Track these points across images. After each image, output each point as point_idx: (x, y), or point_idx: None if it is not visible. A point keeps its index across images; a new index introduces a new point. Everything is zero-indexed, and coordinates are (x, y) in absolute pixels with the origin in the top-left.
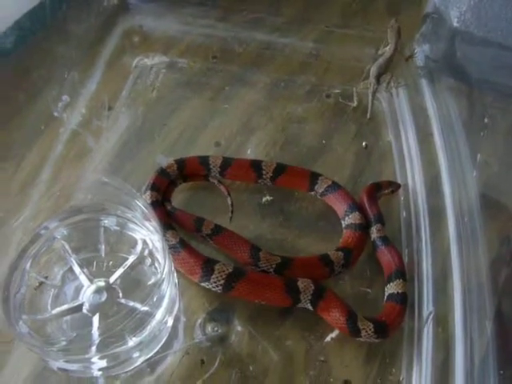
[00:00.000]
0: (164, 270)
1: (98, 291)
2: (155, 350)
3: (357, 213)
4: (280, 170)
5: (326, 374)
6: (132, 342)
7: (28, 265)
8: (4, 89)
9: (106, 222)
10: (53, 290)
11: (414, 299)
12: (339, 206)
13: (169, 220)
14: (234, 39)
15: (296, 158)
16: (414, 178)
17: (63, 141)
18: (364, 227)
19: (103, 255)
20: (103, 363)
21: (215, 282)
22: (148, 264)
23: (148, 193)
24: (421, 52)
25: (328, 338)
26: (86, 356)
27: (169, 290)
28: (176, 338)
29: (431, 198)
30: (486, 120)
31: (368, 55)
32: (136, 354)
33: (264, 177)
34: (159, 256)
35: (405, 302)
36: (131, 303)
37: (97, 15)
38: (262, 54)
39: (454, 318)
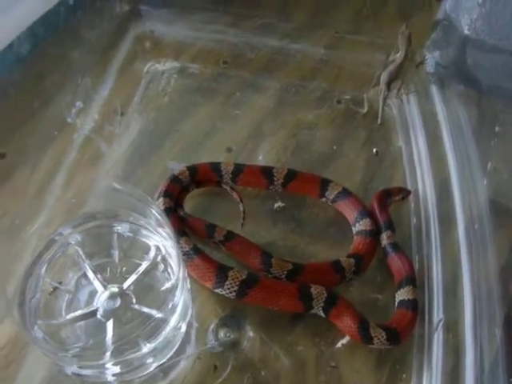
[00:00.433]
0: (179, 275)
1: (112, 297)
2: (169, 356)
3: (367, 219)
4: (291, 176)
5: (337, 380)
6: (146, 348)
7: (43, 270)
8: (18, 94)
9: (119, 228)
10: (67, 295)
11: (424, 305)
12: (350, 212)
13: (182, 226)
14: (245, 45)
15: (307, 164)
16: (424, 183)
17: (76, 146)
18: (375, 233)
19: (116, 261)
20: (117, 369)
21: (229, 289)
22: (161, 270)
23: (161, 199)
24: (431, 58)
25: (339, 344)
26: (100, 362)
27: (183, 296)
28: (188, 343)
29: (441, 204)
30: (497, 128)
31: (379, 61)
32: (150, 360)
33: (275, 183)
34: (172, 262)
35: (416, 308)
36: (144, 309)
37: (109, 21)
38: (273, 60)
39: (464, 324)
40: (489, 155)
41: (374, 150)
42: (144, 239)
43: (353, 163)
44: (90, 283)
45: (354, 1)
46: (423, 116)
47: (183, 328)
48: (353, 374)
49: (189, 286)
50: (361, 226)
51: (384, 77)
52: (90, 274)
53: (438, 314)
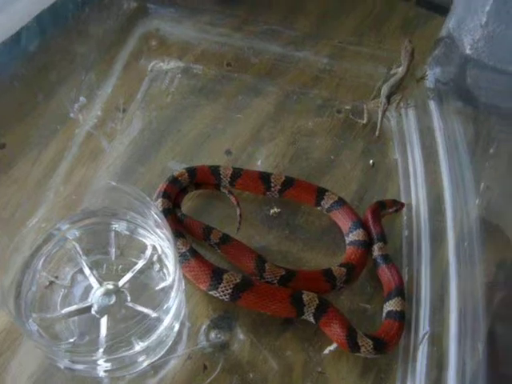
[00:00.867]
0: (175, 277)
1: (107, 294)
2: (160, 354)
3: (360, 230)
4: (288, 183)
5: None
6: (139, 346)
7: (40, 264)
8: (23, 87)
9: (116, 226)
10: (62, 289)
11: (411, 317)
12: (344, 222)
13: (179, 227)
14: (249, 49)
15: (304, 171)
16: (417, 197)
17: (78, 141)
18: (367, 244)
19: (113, 258)
20: (109, 365)
21: (223, 291)
22: (156, 269)
23: (159, 200)
24: (432, 75)
25: (326, 351)
26: (93, 358)
27: (178, 296)
28: (180, 342)
29: (433, 219)
30: (491, 150)
31: (380, 73)
32: (142, 358)
33: (272, 189)
34: (168, 262)
35: (403, 319)
36: (139, 307)
37: (116, 18)
38: (276, 66)
39: (449, 338)
40: (482, 175)
41: (371, 162)
42: (141, 238)
43: (349, 173)
44: (86, 279)
45: (357, 12)
46: (420, 131)
47: (176, 328)
48: (338, 380)
49: (183, 286)
50: (354, 236)
51: (385, 90)
52: (86, 270)
53: (423, 327)
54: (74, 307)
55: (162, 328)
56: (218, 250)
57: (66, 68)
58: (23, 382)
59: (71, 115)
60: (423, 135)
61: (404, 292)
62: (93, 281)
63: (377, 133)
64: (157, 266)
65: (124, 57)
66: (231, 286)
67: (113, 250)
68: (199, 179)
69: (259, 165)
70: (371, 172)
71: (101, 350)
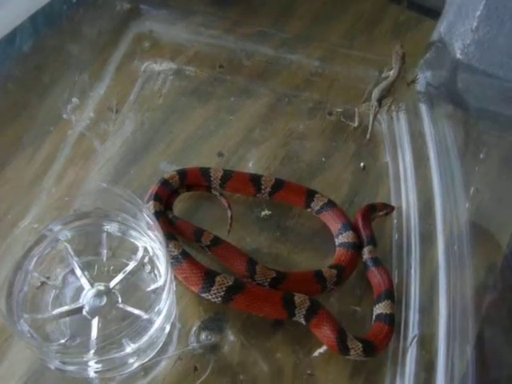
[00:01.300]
0: (167, 278)
1: (98, 295)
2: (151, 356)
3: (350, 232)
4: (278, 185)
5: None
6: (130, 348)
7: (32, 264)
8: (16, 87)
9: (108, 227)
10: (54, 290)
11: (400, 320)
12: (333, 224)
13: (170, 229)
14: (241, 51)
15: (295, 173)
16: (408, 200)
17: (70, 143)
18: (357, 246)
19: (104, 260)
20: (100, 366)
21: (215, 294)
22: (148, 271)
23: (151, 203)
24: (423, 78)
25: (316, 353)
26: (84, 359)
27: (169, 298)
28: (170, 343)
29: (423, 222)
30: (481, 155)
31: (371, 76)
32: (132, 360)
33: (262, 191)
34: (159, 264)
35: (392, 323)
36: (129, 308)
37: (110, 19)
38: (268, 68)
39: (437, 341)
40: (472, 179)
41: (362, 164)
42: (132, 240)
43: (340, 176)
44: (77, 280)
45: (349, 15)
46: (411, 134)
47: (167, 329)
48: (328, 382)
49: (174, 288)
50: (343, 238)
51: (376, 93)
52: (78, 271)
53: (413, 330)
54: (65, 308)
55: (153, 329)
56: (208, 252)
57: (59, 69)
58: (13, 383)
59: (64, 116)
60: (414, 138)
61: (394, 295)
62: (84, 282)
63: (368, 136)
64: (148, 268)
65: (117, 58)
66: (223, 289)
67: (104, 252)
68: (190, 181)
69: (251, 166)
70: (362, 175)
71: (92, 351)
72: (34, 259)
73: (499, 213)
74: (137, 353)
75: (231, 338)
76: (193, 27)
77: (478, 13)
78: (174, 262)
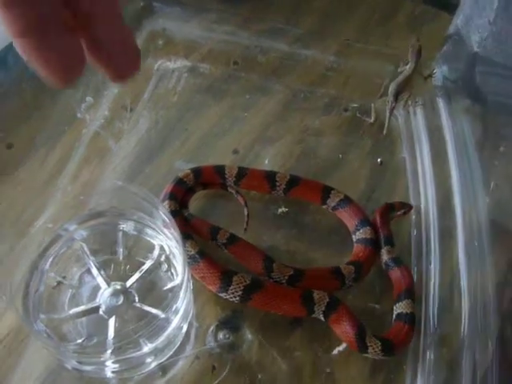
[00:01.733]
0: (184, 277)
1: (115, 294)
2: (168, 355)
3: (367, 228)
4: (293, 182)
5: None
6: (147, 347)
7: (47, 264)
8: (29, 88)
9: (124, 226)
10: (70, 290)
11: (420, 318)
12: (350, 220)
13: (186, 228)
14: (255, 47)
15: (311, 170)
16: (426, 196)
17: (85, 142)
18: (374, 242)
19: (121, 259)
20: (117, 366)
21: (233, 293)
22: (164, 269)
23: (166, 202)
24: (440, 72)
25: (335, 351)
26: (101, 359)
27: (186, 297)
28: (188, 342)
29: (442, 218)
30: (501, 149)
31: (387, 71)
32: (150, 359)
33: (277, 188)
34: (176, 262)
35: (413, 322)
36: (146, 307)
37: (123, 17)
38: (282, 64)
39: (459, 338)
40: (492, 174)
41: (379, 160)
42: (148, 238)
43: (357, 172)
44: (94, 279)
45: (363, 9)
46: (429, 129)
47: (184, 328)
48: (348, 381)
49: (191, 286)
50: (361, 234)
51: (392, 88)
52: (94, 271)
53: (433, 327)
54: (81, 308)
55: (170, 329)
56: (225, 251)
57: None
58: (31, 383)
59: (78, 115)
60: (431, 133)
61: (414, 294)
62: (100, 281)
63: (384, 131)
64: (164, 266)
65: None
66: (241, 288)
67: (120, 250)
68: (205, 179)
69: (266, 164)
70: (379, 170)
71: (109, 351)
72: (50, 259)
73: None
74: (154, 352)
75: (249, 336)
76: (206, 24)
77: (496, 5)
78: (192, 261)
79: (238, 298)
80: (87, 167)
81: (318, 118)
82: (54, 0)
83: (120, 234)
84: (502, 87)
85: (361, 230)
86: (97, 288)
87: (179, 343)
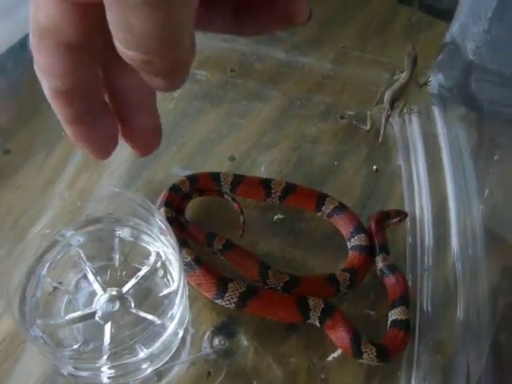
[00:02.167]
0: (180, 283)
1: (111, 300)
2: (164, 361)
3: (362, 235)
4: (288, 189)
5: None
6: (143, 353)
7: (44, 270)
8: (27, 92)
9: (120, 232)
10: (66, 296)
11: (414, 324)
12: (345, 227)
13: (183, 236)
14: (252, 54)
15: (308, 177)
16: (421, 203)
17: None
18: (369, 249)
19: (117, 265)
20: (113, 372)
21: (228, 300)
22: (160, 276)
23: (162, 209)
24: (435, 80)
25: (330, 358)
26: (97, 365)
27: (182, 303)
28: (184, 348)
29: (437, 225)
30: (495, 157)
31: (383, 79)
32: (146, 365)
33: (272, 196)
34: (172, 268)
35: (408, 328)
36: (142, 313)
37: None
38: (279, 71)
39: (453, 345)
40: (486, 181)
41: (374, 167)
42: (145, 244)
43: (352, 179)
44: (90, 285)
45: (360, 17)
46: (424, 136)
47: (180, 334)
48: None
49: (187, 292)
50: (356, 241)
51: (388, 96)
52: (91, 276)
53: (427, 334)
54: (77, 313)
55: (166, 335)
56: (221, 257)
57: None
58: None
59: None
60: (427, 141)
61: (409, 300)
62: (97, 287)
63: (380, 139)
64: (160, 273)
65: None
66: (237, 295)
67: (117, 257)
68: (201, 186)
69: (263, 170)
70: (374, 178)
71: (105, 357)
72: (47, 264)
73: None
74: (150, 358)
75: (244, 342)
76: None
77: (490, 14)
78: (188, 268)
79: (233, 305)
80: (84, 173)
81: (314, 125)
82: (99, 87)
83: (116, 240)
84: (496, 95)
85: (356, 237)
86: (93, 294)
87: (175, 349)
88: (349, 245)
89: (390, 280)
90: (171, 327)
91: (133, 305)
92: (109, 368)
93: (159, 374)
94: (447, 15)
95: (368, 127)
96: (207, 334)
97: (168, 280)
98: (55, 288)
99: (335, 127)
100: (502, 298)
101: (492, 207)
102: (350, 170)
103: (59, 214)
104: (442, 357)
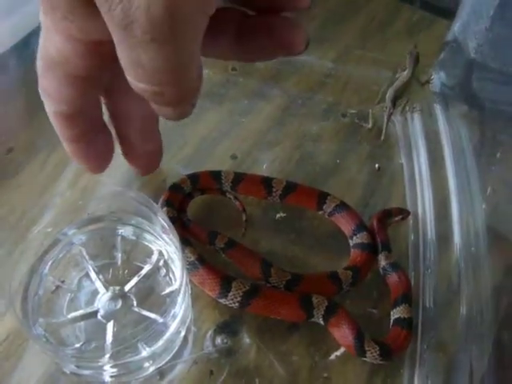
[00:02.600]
0: (182, 282)
1: (114, 298)
2: (166, 360)
3: (364, 232)
4: (289, 188)
5: None
6: (146, 352)
7: (47, 268)
8: (30, 92)
9: (122, 231)
10: (69, 294)
11: (417, 322)
12: (347, 225)
13: (185, 234)
14: None
15: (309, 175)
16: (423, 201)
17: None
18: (372, 246)
19: (119, 263)
20: (115, 371)
21: (232, 300)
22: (163, 274)
23: (164, 209)
24: (437, 79)
25: (333, 356)
26: (99, 363)
27: (184, 302)
28: (186, 347)
29: (439, 223)
30: (498, 155)
31: (385, 77)
32: (148, 364)
33: (273, 194)
34: (174, 267)
35: (410, 327)
36: (145, 312)
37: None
38: (281, 70)
39: (455, 343)
40: (489, 179)
41: (377, 166)
42: (147, 243)
43: (354, 177)
44: (92, 284)
45: (362, 16)
46: (426, 135)
47: (182, 333)
48: None
49: (190, 291)
50: (358, 239)
51: (390, 94)
52: (93, 275)
53: (430, 332)
54: (80, 312)
55: (168, 334)
56: (223, 255)
57: None
58: None
59: None
60: (429, 139)
61: (411, 298)
62: (99, 285)
63: (382, 137)
64: (163, 271)
65: None
66: (240, 294)
67: (119, 255)
68: (202, 185)
69: (264, 169)
70: (377, 176)
71: (107, 356)
72: (49, 263)
73: None
74: (152, 357)
75: (247, 341)
76: None
77: (492, 12)
78: (191, 267)
79: (237, 304)
80: (86, 172)
81: (316, 124)
82: (100, 108)
83: (119, 238)
84: (498, 93)
85: (358, 235)
86: (95, 292)
87: (177, 348)
88: (351, 243)
89: (393, 278)
90: (173, 326)
91: (135, 303)
92: (111, 366)
93: (161, 372)
94: (449, 13)
95: (370, 125)
96: (209, 332)
97: (170, 278)
98: (57, 286)
99: (337, 126)
100: (504, 296)
101: (494, 205)
102: (352, 169)
103: (61, 212)
104: (444, 355)
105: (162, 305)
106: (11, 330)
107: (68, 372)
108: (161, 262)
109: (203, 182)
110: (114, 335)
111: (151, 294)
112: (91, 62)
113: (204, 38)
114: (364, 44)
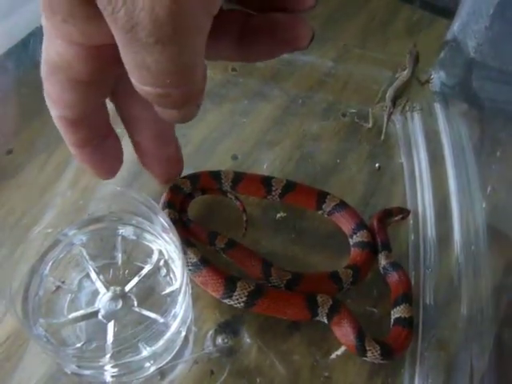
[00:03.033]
0: (182, 282)
1: (114, 299)
2: (167, 360)
3: (364, 231)
4: (289, 187)
5: None
6: (146, 352)
7: (47, 269)
8: (29, 92)
9: (123, 231)
10: (69, 294)
11: (418, 322)
12: (347, 224)
13: (186, 234)
14: None
15: (310, 175)
16: (423, 200)
17: None
18: (372, 245)
19: (119, 263)
20: (116, 370)
21: (237, 300)
22: (163, 274)
23: (165, 211)
24: (437, 78)
25: (333, 356)
26: (100, 363)
27: (185, 301)
28: (187, 347)
29: (439, 222)
30: (498, 153)
31: (385, 77)
32: (149, 364)
33: (273, 193)
34: (175, 267)
35: (411, 326)
36: (145, 312)
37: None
38: (281, 70)
39: (456, 342)
40: (489, 178)
41: (377, 165)
42: (147, 243)
43: (355, 177)
44: (93, 284)
45: (362, 15)
46: (426, 134)
47: (183, 333)
48: None
49: (190, 291)
50: (358, 237)
51: (390, 93)
52: (93, 275)
53: (430, 331)
54: (80, 312)
55: (169, 333)
56: (223, 255)
57: None
58: None
59: None
60: (429, 138)
61: (411, 298)
62: (99, 286)
63: (382, 136)
64: (163, 271)
65: None
66: (245, 294)
67: (119, 255)
68: (202, 185)
69: (265, 169)
70: (377, 175)
71: (108, 356)
72: (50, 263)
73: None
74: (153, 357)
75: (248, 341)
76: None
77: (492, 11)
78: (195, 268)
79: (242, 304)
80: (86, 172)
81: (316, 123)
82: (106, 112)
83: (119, 238)
84: (498, 92)
85: (358, 234)
86: (96, 292)
87: (178, 348)
88: (351, 242)
89: (393, 277)
90: (174, 326)
91: (136, 303)
92: (112, 366)
93: (162, 372)
94: (448, 13)
95: (370, 125)
96: (210, 332)
97: (171, 278)
98: (58, 287)
99: (337, 125)
100: (505, 294)
101: (494, 204)
102: (353, 168)
103: (61, 213)
104: (445, 354)
105: (163, 305)
106: (12, 331)
107: (69, 372)
108: (161, 262)
109: (203, 182)
110: (115, 335)
111: (152, 294)
112: (94, 67)
113: (207, 40)
114: (364, 43)
